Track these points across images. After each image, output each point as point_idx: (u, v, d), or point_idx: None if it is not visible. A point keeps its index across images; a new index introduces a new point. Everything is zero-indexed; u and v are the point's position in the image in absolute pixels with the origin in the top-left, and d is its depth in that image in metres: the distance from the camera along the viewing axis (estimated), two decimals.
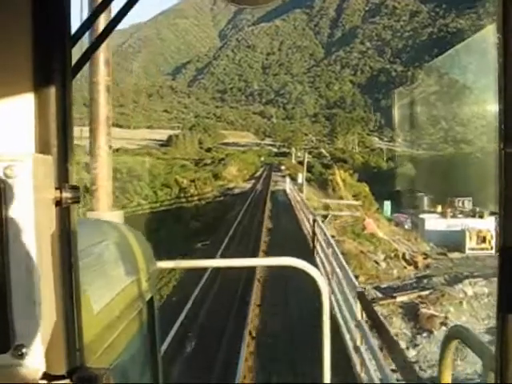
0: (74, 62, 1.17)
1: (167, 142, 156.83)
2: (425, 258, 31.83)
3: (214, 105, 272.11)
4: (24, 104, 1.03)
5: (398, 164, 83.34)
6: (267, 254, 17.91)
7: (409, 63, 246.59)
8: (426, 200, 52.51)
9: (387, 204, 54.92)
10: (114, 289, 1.65)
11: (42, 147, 1.03)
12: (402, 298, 20.40)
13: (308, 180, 52.86)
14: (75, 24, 1.15)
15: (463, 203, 48.04)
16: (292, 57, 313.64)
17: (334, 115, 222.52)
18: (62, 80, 1.04)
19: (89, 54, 1.22)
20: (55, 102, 1.03)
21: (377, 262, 27.67)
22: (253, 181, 72.53)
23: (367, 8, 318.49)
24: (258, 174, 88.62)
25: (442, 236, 39.79)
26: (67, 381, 1.04)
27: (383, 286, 23.27)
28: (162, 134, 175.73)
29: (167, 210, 51.39)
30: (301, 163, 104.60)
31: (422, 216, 46.86)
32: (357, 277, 15.85)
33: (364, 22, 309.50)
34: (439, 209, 48.07)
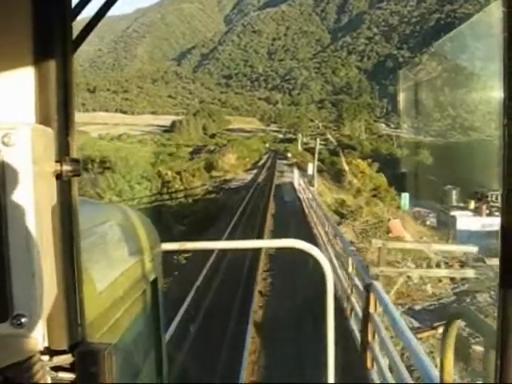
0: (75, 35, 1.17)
1: (171, 128, 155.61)
2: (461, 266, 26.33)
3: (219, 90, 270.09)
4: (25, 77, 1.02)
5: (412, 151, 76.09)
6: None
7: (416, 49, 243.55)
8: (454, 194, 46.45)
9: (405, 196, 47.88)
10: (117, 269, 1.66)
11: (43, 119, 1.02)
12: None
13: (319, 171, 44.67)
14: None
15: (497, 198, 39.12)
16: (298, 42, 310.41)
17: (340, 101, 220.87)
18: (63, 54, 1.04)
19: (91, 28, 1.20)
20: (56, 75, 1.02)
21: (407, 275, 23.55)
22: (255, 171, 64.66)
23: None
24: (262, 161, 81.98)
25: (477, 237, 32.55)
26: (69, 355, 1.04)
27: (417, 307, 19.41)
28: (167, 120, 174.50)
29: (144, 209, 38.86)
30: (307, 150, 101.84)
31: (453, 213, 40.87)
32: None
33: (371, 7, 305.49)
34: (472, 205, 42.09)
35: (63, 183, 1.04)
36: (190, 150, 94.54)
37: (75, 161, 1.05)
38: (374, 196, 42.16)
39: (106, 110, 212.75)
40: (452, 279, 23.90)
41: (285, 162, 75.29)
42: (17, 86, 1.02)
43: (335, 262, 11.06)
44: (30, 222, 0.91)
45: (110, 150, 52.28)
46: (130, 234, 1.95)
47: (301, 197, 29.67)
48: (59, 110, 1.02)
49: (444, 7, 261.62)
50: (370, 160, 55.75)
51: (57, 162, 1.02)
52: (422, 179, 52.18)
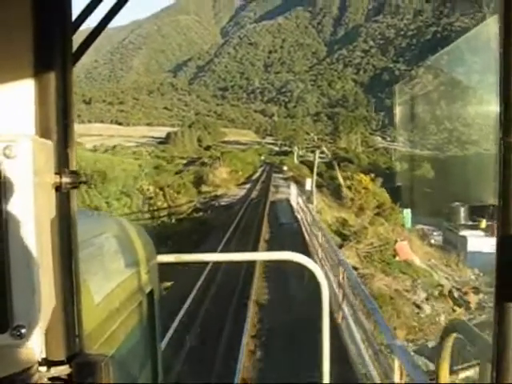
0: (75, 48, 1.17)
1: (166, 140, 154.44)
2: (475, 293, 24.32)
3: (214, 102, 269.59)
4: (25, 89, 1.03)
5: (412, 165, 72.22)
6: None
7: (412, 62, 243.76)
8: (462, 211, 41.76)
9: (407, 213, 44.60)
10: (114, 280, 1.68)
11: (43, 132, 1.03)
12: (466, 373, 13.21)
13: (317, 185, 40.39)
14: (77, 10, 1.15)
15: None
16: (294, 55, 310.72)
17: (336, 114, 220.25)
18: (63, 66, 1.05)
19: (91, 40, 1.22)
20: (56, 87, 1.03)
21: (418, 306, 20.67)
22: (248, 185, 58.42)
23: (370, 6, 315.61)
24: (257, 175, 77.04)
25: (489, 260, 27.75)
26: (66, 366, 1.06)
27: (431, 344, 16.70)
28: (162, 132, 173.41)
29: None
30: (304, 163, 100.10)
31: (463, 233, 37.40)
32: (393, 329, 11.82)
33: (367, 20, 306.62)
34: (483, 224, 37.73)
35: (62, 195, 1.05)
36: (183, 162, 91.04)
37: (74, 173, 1.06)
38: (378, 214, 39.14)
39: (102, 122, 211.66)
40: (467, 308, 21.97)
41: (280, 175, 71.39)
42: (17, 97, 1.03)
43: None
44: (30, 234, 0.93)
45: (88, 160, 46.35)
46: (126, 245, 1.94)
47: (299, 217, 25.16)
48: (59, 122, 1.03)
49: (440, 20, 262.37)
50: (372, 175, 50.55)
51: (56, 173, 1.03)
52: (424, 194, 49.50)
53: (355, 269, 13.90)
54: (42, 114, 1.02)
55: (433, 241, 39.18)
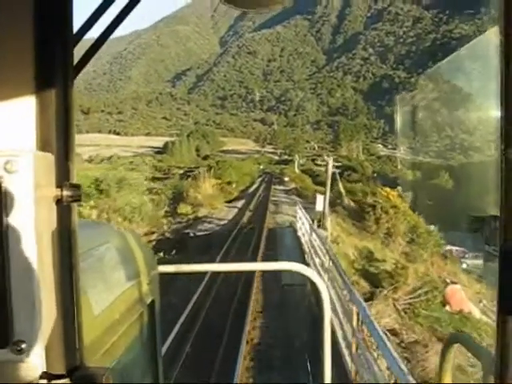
0: (76, 60, 1.18)
1: (163, 149, 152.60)
2: None
3: (213, 111, 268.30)
4: (25, 102, 1.04)
5: (427, 174, 62.96)
6: None
7: (412, 69, 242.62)
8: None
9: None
10: (114, 292, 1.68)
11: (43, 145, 1.04)
12: None
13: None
14: (78, 23, 1.16)
15: None
16: (293, 63, 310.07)
17: (336, 122, 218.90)
18: (64, 78, 1.05)
19: (92, 53, 1.23)
20: (56, 100, 1.03)
21: None
22: (242, 201, 45.85)
23: (369, 14, 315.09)
24: (255, 187, 66.87)
25: None
26: (67, 380, 1.05)
27: None
28: (160, 142, 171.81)
29: None
30: (305, 172, 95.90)
31: None
32: None
33: (366, 28, 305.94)
34: None
35: (63, 208, 1.05)
36: (159, 175, 75.76)
37: (75, 186, 1.07)
38: (412, 242, 29.91)
39: (99, 131, 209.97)
40: None
41: (281, 187, 63.35)
42: (17, 111, 1.03)
43: None
44: (31, 249, 0.94)
45: None
46: (127, 256, 1.92)
47: (312, 264, 14.50)
48: (59, 136, 1.04)
49: (440, 27, 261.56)
50: (398, 188, 39.87)
51: (57, 187, 1.03)
52: (446, 208, 40.75)
53: (395, 334, 10.08)
54: (43, 127, 1.03)
55: (464, 265, 32.45)
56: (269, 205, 39.34)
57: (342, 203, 37.86)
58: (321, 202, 25.49)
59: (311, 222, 18.94)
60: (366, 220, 32.27)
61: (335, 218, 30.88)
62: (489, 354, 1.73)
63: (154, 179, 54.26)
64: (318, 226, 21.97)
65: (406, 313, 17.34)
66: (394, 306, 17.34)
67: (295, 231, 23.47)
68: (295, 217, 25.38)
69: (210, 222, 32.86)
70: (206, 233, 29.04)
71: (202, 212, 38.21)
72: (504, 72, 0.87)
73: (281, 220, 30.56)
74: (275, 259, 16.36)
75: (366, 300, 12.87)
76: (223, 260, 19.37)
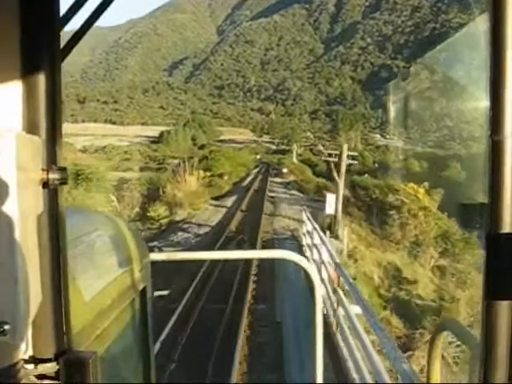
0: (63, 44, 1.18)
1: (159, 139, 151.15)
2: None
3: (210, 101, 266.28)
4: (13, 86, 1.03)
5: (434, 164, 57.46)
6: None
7: (410, 59, 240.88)
8: None
9: None
10: (105, 278, 1.68)
11: (30, 128, 1.03)
12: None
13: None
14: (65, 7, 1.15)
15: None
16: (291, 52, 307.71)
17: (334, 112, 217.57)
18: (51, 62, 1.04)
19: (78, 37, 1.23)
20: (44, 83, 1.02)
21: None
22: (233, 198, 38.21)
23: (367, 3, 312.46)
24: (250, 179, 59.47)
25: None
26: (54, 364, 1.05)
27: None
28: (156, 131, 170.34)
29: None
30: (304, 162, 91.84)
31: None
32: None
33: (364, 17, 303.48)
34: None
35: (50, 191, 1.04)
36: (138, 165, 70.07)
37: (62, 169, 1.06)
38: (445, 252, 24.25)
39: (95, 121, 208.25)
40: None
41: (279, 179, 57.21)
42: (4, 94, 1.02)
43: None
44: (15, 229, 0.92)
45: None
46: (118, 243, 1.93)
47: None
48: (47, 119, 1.02)
49: (438, 17, 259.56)
50: (425, 183, 33.30)
51: (43, 170, 1.02)
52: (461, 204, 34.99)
53: None
54: (30, 110, 1.02)
55: None
56: (265, 203, 32.82)
57: (357, 202, 32.18)
58: (332, 204, 21.19)
59: (325, 242, 11.79)
60: (389, 225, 26.11)
61: (349, 223, 25.11)
62: (475, 339, 1.73)
63: (142, 169, 49.77)
64: (330, 236, 17.27)
65: (455, 364, 11.47)
66: (443, 357, 11.01)
67: (300, 246, 17.22)
68: (298, 221, 20.53)
69: (187, 231, 24.52)
70: (184, 245, 21.14)
71: (179, 215, 30.14)
72: (492, 59, 0.87)
73: (277, 225, 24.58)
74: (271, 311, 11.86)
75: (404, 350, 9.67)
76: (200, 290, 13.58)
